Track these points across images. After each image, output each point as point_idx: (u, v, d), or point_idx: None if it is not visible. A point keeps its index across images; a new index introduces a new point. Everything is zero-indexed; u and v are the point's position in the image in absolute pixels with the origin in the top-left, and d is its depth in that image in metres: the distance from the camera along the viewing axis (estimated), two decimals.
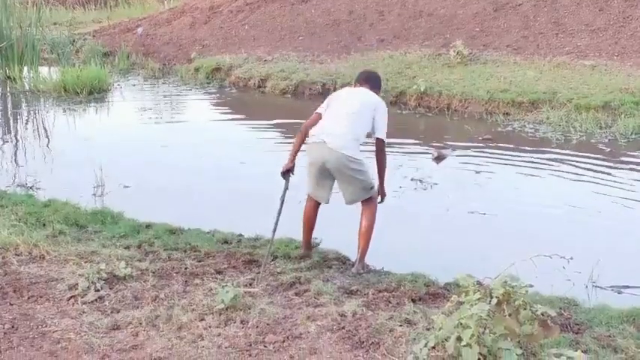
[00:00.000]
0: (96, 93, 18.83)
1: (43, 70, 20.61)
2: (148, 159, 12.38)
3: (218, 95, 19.74)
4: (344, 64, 19.93)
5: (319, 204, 7.53)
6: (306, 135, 7.53)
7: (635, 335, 5.67)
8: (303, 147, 7.48)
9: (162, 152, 12.94)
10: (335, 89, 18.44)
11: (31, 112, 17.88)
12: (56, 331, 5.45)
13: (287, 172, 7.53)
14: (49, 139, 14.76)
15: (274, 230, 7.33)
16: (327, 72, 19.44)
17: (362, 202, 7.46)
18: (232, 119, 17.01)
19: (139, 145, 13.71)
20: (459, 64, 18.91)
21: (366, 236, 7.32)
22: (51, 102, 18.43)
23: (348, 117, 7.27)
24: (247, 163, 12.03)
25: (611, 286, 7.15)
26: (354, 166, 7.18)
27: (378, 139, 7.50)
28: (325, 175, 7.29)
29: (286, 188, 7.53)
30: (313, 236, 7.81)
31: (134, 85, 21.14)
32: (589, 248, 7.84)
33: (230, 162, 12.11)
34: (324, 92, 18.58)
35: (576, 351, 4.43)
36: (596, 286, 7.13)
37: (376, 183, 7.47)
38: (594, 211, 9.54)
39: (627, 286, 7.14)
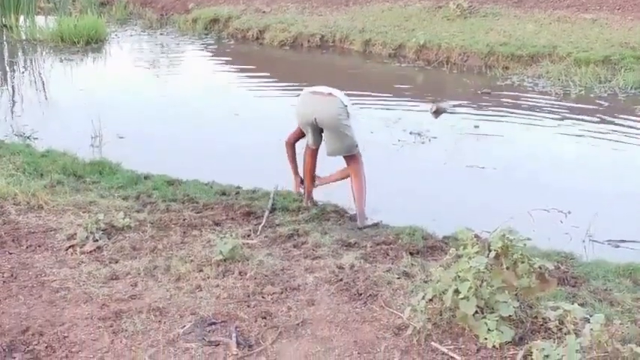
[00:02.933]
0: (93, 43, 18.77)
1: (40, 20, 20.44)
2: (145, 110, 12.36)
3: (216, 47, 19.64)
4: (343, 16, 19.80)
5: (317, 152, 7.55)
6: (293, 147, 7.74)
7: (631, 289, 5.69)
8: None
9: (159, 103, 12.91)
10: (334, 42, 18.47)
11: (28, 61, 17.79)
12: (55, 280, 5.45)
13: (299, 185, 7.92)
14: (45, 89, 14.70)
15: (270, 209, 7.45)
16: (325, 24, 19.33)
17: (346, 161, 7.50)
18: (230, 71, 16.94)
19: (136, 95, 13.69)
20: (459, 17, 18.79)
21: (360, 197, 7.39)
22: (48, 51, 18.33)
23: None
24: (243, 115, 12.00)
25: (608, 241, 7.17)
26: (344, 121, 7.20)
27: None
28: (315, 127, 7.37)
29: (274, 194, 7.82)
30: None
31: (131, 36, 21.03)
32: (587, 202, 7.85)
33: (226, 113, 12.07)
34: (323, 44, 18.56)
35: (573, 304, 4.45)
36: (593, 241, 7.15)
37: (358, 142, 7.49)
38: (593, 165, 9.56)
39: (624, 241, 7.16)
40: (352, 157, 7.42)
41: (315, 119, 7.18)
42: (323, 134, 7.39)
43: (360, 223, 7.25)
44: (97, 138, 10.24)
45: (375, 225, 7.26)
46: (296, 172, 7.81)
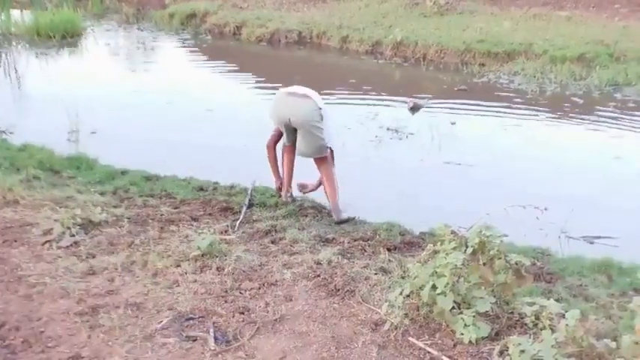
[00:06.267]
0: (69, 37, 18.70)
1: (15, 14, 20.29)
2: (122, 105, 12.30)
3: (192, 42, 19.59)
4: (320, 13, 19.83)
5: (295, 150, 7.54)
6: (274, 150, 7.74)
7: (606, 284, 5.76)
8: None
9: (136, 98, 12.85)
10: (311, 38, 18.49)
11: (3, 55, 17.63)
12: (31, 275, 5.42)
13: (280, 188, 7.87)
14: (21, 84, 14.58)
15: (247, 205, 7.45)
16: (303, 20, 19.35)
17: (316, 162, 7.52)
18: (206, 66, 16.88)
19: (112, 90, 13.60)
20: (436, 14, 18.91)
21: (333, 194, 7.42)
22: (23, 45, 18.20)
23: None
24: (220, 110, 12.01)
25: (583, 237, 7.23)
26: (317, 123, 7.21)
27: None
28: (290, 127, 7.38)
29: (252, 190, 7.86)
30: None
31: (108, 30, 20.93)
32: (563, 199, 7.89)
33: (203, 109, 12.05)
34: (300, 40, 18.56)
35: (549, 300, 4.49)
36: (568, 237, 7.21)
37: (331, 144, 7.47)
38: (569, 162, 9.60)
39: (599, 237, 7.22)
40: (323, 159, 7.43)
41: (290, 119, 7.19)
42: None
43: (336, 217, 7.27)
44: (73, 133, 10.20)
45: (352, 219, 7.28)
46: (277, 176, 7.80)
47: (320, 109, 7.17)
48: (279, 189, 7.85)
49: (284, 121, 7.27)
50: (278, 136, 7.59)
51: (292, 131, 7.38)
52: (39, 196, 7.22)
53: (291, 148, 7.54)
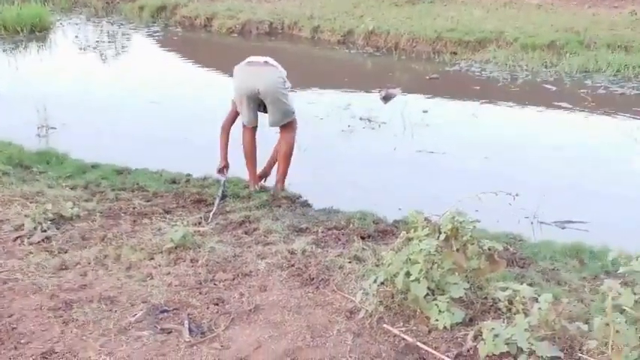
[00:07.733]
0: (37, 32, 18.54)
1: None
2: (91, 99, 12.24)
3: (163, 34, 19.49)
4: (291, 3, 19.81)
5: (255, 133, 7.57)
6: (228, 133, 7.71)
7: (577, 268, 5.78)
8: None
9: (105, 92, 12.80)
10: (283, 28, 18.47)
11: None
12: (2, 271, 5.35)
13: (222, 170, 7.81)
14: None
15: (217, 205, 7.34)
16: (274, 11, 19.32)
17: (282, 129, 7.58)
18: (176, 58, 16.81)
19: (81, 84, 13.49)
20: (407, 3, 18.96)
21: (285, 160, 7.51)
22: None
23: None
24: (191, 102, 12.00)
25: (554, 222, 7.27)
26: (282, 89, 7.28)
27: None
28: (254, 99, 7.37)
29: (225, 181, 7.73)
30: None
31: (77, 24, 20.76)
32: (534, 185, 7.93)
33: (171, 100, 12.02)
34: (272, 31, 18.53)
35: (522, 284, 4.50)
36: (540, 222, 7.25)
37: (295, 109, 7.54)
38: (540, 148, 9.66)
39: (570, 222, 7.26)
40: (289, 125, 7.52)
41: (259, 90, 7.19)
42: (260, 110, 7.43)
43: (280, 187, 7.49)
44: (43, 128, 10.11)
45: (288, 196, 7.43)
46: (225, 158, 7.77)
47: (281, 73, 7.25)
48: (221, 171, 7.81)
49: (253, 93, 7.23)
50: (234, 116, 7.61)
51: (255, 107, 7.38)
52: (8, 192, 7.15)
53: (253, 131, 7.53)
